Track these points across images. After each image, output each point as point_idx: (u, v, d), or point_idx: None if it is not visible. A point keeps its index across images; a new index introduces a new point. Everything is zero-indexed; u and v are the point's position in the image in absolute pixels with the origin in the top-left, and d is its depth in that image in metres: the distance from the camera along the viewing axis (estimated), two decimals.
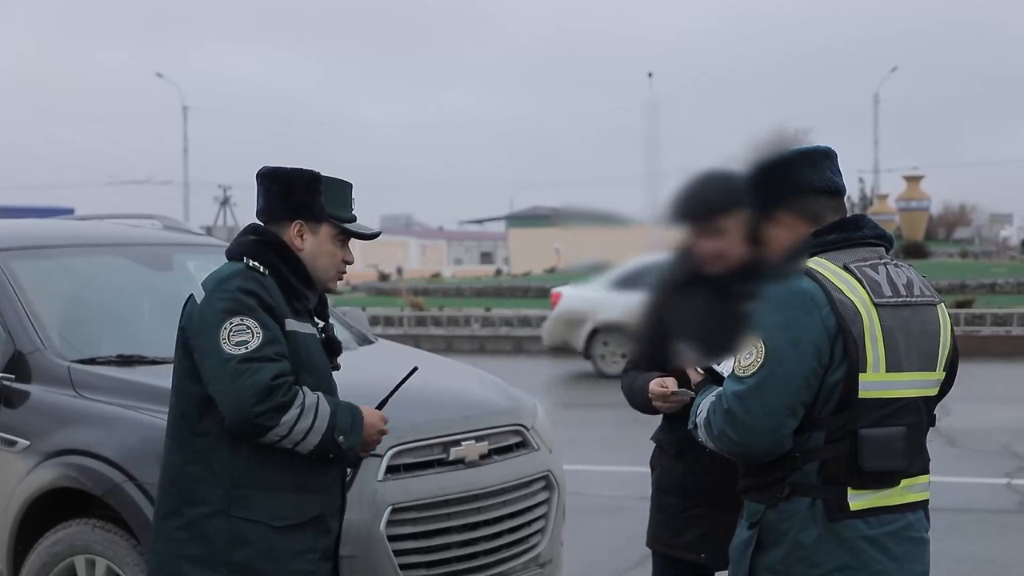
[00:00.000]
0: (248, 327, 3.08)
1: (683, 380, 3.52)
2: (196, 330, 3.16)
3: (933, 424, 2.95)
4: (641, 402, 3.67)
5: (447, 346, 21.34)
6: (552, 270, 39.96)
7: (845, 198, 3.03)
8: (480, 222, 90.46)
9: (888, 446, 2.74)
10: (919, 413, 2.84)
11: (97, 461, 4.22)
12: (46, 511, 4.39)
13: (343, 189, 3.38)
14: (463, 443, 4.45)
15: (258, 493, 3.16)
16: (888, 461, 2.74)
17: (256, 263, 3.22)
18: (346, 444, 3.19)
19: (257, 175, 3.36)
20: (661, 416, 3.73)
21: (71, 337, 4.83)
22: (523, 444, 4.85)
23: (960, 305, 21.61)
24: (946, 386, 2.96)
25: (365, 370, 4.35)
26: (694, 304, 3.59)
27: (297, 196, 3.29)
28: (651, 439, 3.84)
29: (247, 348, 3.05)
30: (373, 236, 3.44)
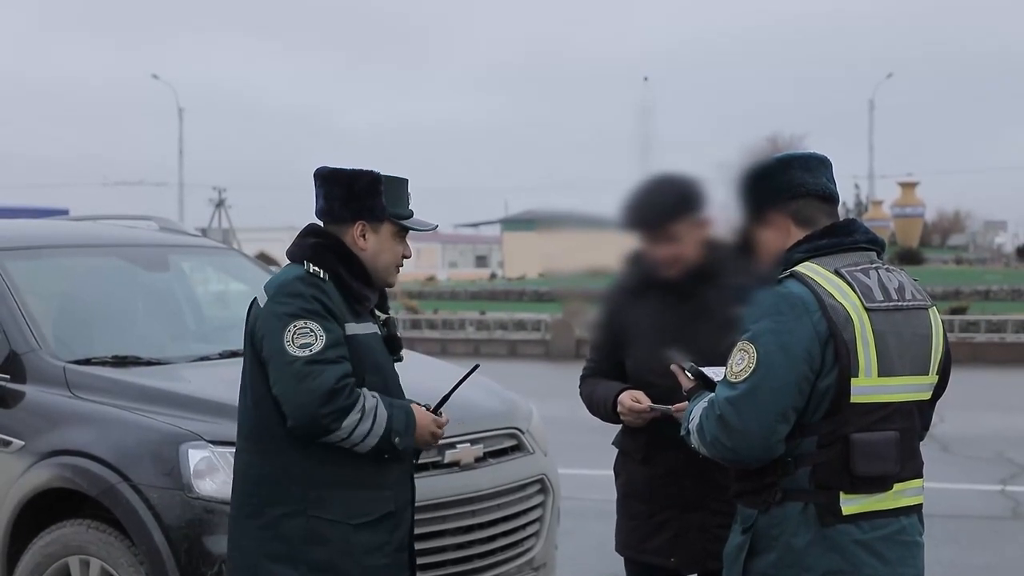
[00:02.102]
0: (311, 330, 3.13)
1: (644, 389, 3.54)
2: (261, 333, 3.21)
3: (927, 428, 2.96)
4: (605, 413, 3.67)
5: (441, 349, 21.32)
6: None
7: (840, 204, 3.03)
8: (475, 225, 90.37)
9: (880, 451, 2.75)
10: (912, 417, 2.84)
11: (92, 462, 4.22)
12: (40, 511, 4.39)
13: (401, 186, 3.39)
14: (458, 446, 4.46)
15: (334, 492, 3.21)
16: (880, 466, 2.75)
17: (316, 268, 3.23)
18: (401, 445, 3.27)
19: (316, 175, 3.36)
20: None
21: (66, 338, 4.83)
22: (518, 447, 4.86)
23: (954, 312, 21.65)
24: (939, 390, 2.96)
25: None
26: (652, 309, 3.61)
27: (359, 198, 3.30)
28: (612, 444, 3.83)
29: (311, 351, 3.11)
30: (432, 229, 3.49)
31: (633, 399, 3.53)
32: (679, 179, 3.56)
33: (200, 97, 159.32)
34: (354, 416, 3.13)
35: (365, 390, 3.21)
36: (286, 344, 3.12)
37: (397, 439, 3.23)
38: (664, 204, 3.51)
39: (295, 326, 3.13)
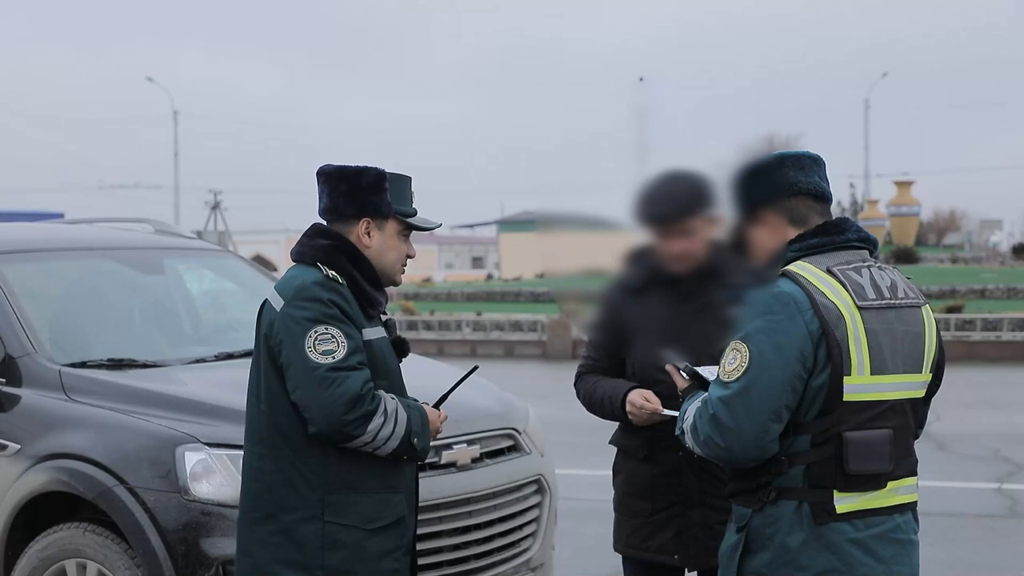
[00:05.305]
0: (333, 336, 3.11)
1: (650, 386, 3.54)
2: (279, 338, 3.17)
3: (922, 427, 2.96)
4: (610, 410, 3.64)
5: (438, 350, 21.34)
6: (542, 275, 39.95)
7: (835, 203, 3.03)
8: (471, 227, 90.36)
9: (873, 449, 2.75)
10: (905, 415, 2.85)
11: (88, 465, 4.21)
12: (37, 515, 4.39)
13: (404, 184, 3.39)
14: (454, 447, 4.46)
15: (350, 497, 3.21)
16: (874, 464, 2.75)
17: (334, 273, 3.21)
18: (420, 445, 3.28)
19: (320, 174, 3.34)
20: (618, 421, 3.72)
21: (62, 341, 4.83)
22: (515, 448, 4.86)
23: (950, 310, 21.66)
24: (933, 388, 2.97)
25: None
26: (657, 307, 3.61)
27: (364, 194, 3.29)
28: (610, 443, 3.83)
29: (334, 357, 3.09)
30: (436, 227, 3.49)
31: (644, 398, 3.52)
32: (694, 175, 3.57)
33: (195, 100, 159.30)
34: (377, 420, 3.13)
35: (384, 394, 3.21)
36: (307, 350, 3.09)
37: (415, 439, 3.24)
38: (681, 198, 3.51)
39: (316, 332, 3.10)
